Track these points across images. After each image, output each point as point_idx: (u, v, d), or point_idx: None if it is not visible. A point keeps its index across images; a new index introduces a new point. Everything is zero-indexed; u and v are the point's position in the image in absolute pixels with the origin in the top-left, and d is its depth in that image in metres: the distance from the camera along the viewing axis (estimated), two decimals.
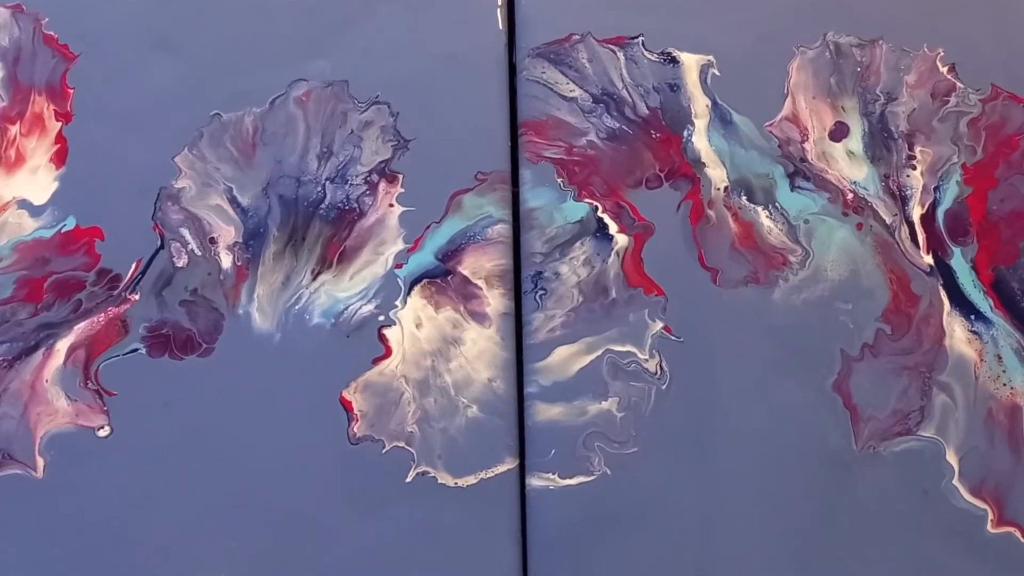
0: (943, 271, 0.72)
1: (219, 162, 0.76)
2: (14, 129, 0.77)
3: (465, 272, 0.73)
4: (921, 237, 0.73)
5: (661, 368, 0.69)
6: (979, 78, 0.78)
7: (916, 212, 0.74)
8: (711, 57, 0.79)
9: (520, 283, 0.73)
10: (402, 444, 0.68)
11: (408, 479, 0.67)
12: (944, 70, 0.79)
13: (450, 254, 0.73)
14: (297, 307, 0.71)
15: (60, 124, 0.77)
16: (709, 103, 0.77)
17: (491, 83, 0.78)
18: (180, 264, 0.73)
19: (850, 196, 0.75)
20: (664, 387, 0.69)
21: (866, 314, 0.71)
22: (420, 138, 0.76)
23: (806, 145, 0.76)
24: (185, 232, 0.74)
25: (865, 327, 0.71)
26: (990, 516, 0.67)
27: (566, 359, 0.70)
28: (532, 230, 0.74)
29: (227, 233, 0.74)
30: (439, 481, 0.67)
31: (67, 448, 0.67)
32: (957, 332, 0.71)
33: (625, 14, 0.80)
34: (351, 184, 0.75)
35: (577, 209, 0.74)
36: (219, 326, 0.71)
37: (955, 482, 0.67)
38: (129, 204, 0.74)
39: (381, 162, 0.76)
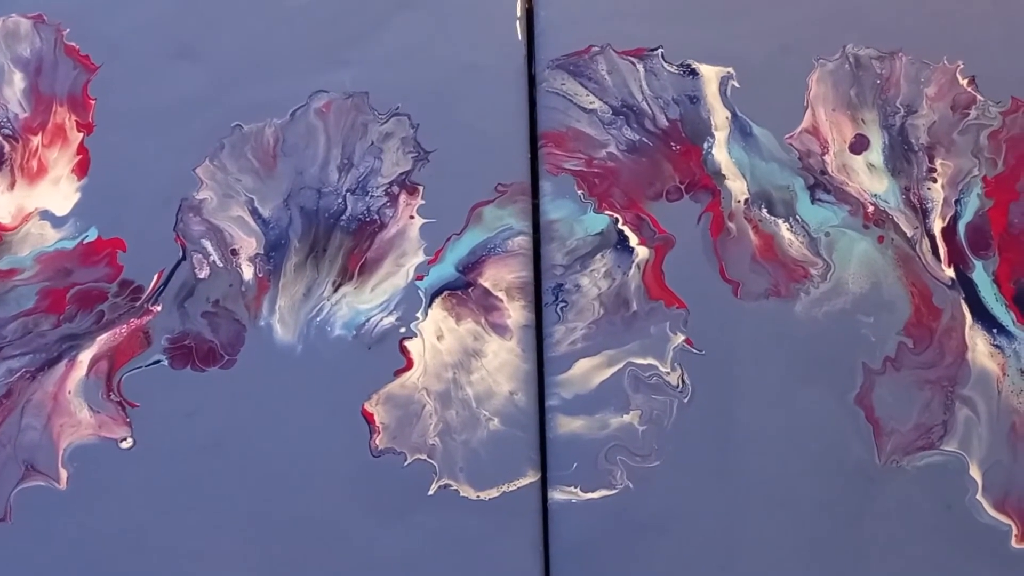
0: (965, 284, 0.72)
1: (240, 173, 0.76)
2: (36, 140, 0.77)
3: (486, 284, 0.73)
4: (942, 250, 0.73)
5: (683, 381, 0.69)
6: (999, 90, 0.78)
7: (937, 225, 0.74)
8: (731, 69, 0.79)
9: (541, 295, 0.73)
10: (424, 457, 0.68)
11: (430, 492, 0.67)
12: (964, 82, 0.78)
13: (471, 266, 0.73)
14: (318, 319, 0.71)
15: (82, 135, 0.77)
16: (729, 115, 0.77)
17: (511, 95, 0.79)
18: (202, 275, 0.73)
19: (871, 209, 0.74)
20: (686, 400, 0.69)
21: (888, 327, 0.71)
22: (440, 150, 0.77)
23: (826, 157, 0.76)
24: (207, 243, 0.74)
25: (887, 340, 0.70)
26: (1014, 531, 0.66)
27: (587, 372, 0.70)
28: (552, 242, 0.74)
29: (248, 244, 0.74)
30: (461, 494, 0.67)
31: (90, 459, 0.67)
32: (979, 346, 0.70)
33: (644, 26, 0.80)
34: (372, 196, 0.75)
35: (597, 221, 0.74)
36: (241, 338, 0.71)
37: (979, 497, 0.67)
38: (151, 215, 0.74)
39: (401, 174, 0.76)
